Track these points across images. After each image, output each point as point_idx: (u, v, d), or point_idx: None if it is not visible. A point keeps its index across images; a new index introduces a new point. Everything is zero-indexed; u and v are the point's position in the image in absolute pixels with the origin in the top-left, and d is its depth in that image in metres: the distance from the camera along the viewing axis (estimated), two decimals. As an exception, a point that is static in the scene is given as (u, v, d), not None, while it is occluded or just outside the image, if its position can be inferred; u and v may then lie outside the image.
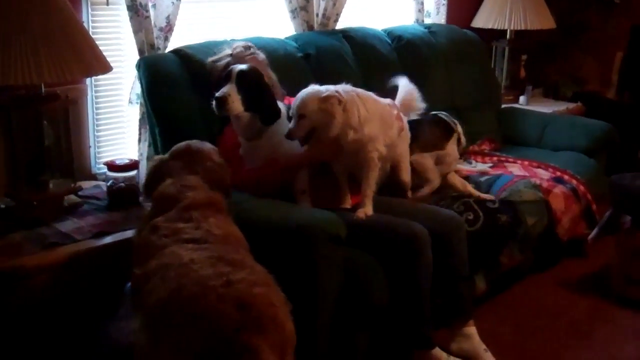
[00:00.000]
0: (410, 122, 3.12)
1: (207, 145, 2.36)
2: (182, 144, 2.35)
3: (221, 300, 1.63)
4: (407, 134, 3.02)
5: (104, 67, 2.60)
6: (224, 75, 2.70)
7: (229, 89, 2.61)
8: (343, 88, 2.71)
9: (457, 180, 3.37)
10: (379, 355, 2.71)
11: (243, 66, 2.69)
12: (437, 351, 2.69)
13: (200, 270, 1.72)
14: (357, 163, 2.76)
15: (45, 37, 2.38)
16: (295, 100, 2.68)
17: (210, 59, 3.03)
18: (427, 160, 3.20)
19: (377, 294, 2.59)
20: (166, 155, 2.33)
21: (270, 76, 3.03)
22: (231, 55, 2.97)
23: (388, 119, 2.83)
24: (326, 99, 2.62)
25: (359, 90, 2.78)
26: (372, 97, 2.81)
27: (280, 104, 2.79)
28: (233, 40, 3.25)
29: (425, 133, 3.24)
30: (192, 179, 2.16)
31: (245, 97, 2.63)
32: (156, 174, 2.25)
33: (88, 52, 2.51)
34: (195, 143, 2.35)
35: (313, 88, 2.69)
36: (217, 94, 2.61)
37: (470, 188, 3.35)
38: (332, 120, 2.62)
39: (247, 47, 3.03)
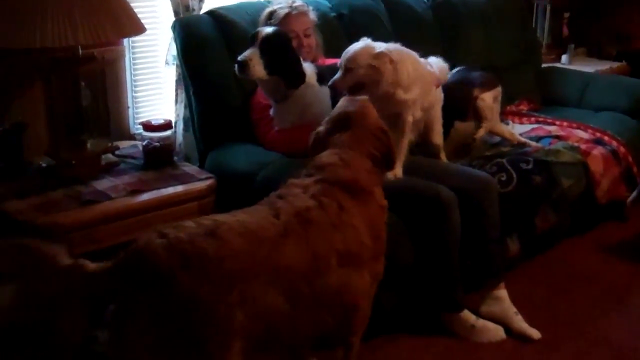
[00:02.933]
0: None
1: (370, 111, 2.25)
2: (343, 110, 2.23)
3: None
4: (440, 96, 3.00)
5: (137, 28, 2.64)
6: (250, 37, 2.71)
7: (251, 53, 2.62)
8: (393, 47, 2.69)
9: (504, 129, 3.42)
10: (407, 317, 2.74)
11: (269, 29, 2.70)
12: (466, 314, 2.71)
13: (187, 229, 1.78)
14: (392, 126, 2.75)
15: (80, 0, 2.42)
16: (345, 53, 2.67)
17: (269, 9, 3.05)
18: (489, 97, 3.21)
19: (402, 254, 2.61)
20: (327, 126, 2.23)
21: (316, 39, 3.08)
22: (290, 7, 3.00)
23: (428, 82, 2.81)
24: (378, 56, 2.61)
25: (406, 50, 2.75)
26: (417, 58, 2.79)
27: (309, 66, 2.79)
28: (268, 1, 3.26)
29: (479, 75, 3.28)
30: (352, 154, 2.14)
31: (269, 61, 2.64)
32: (317, 145, 2.22)
33: (122, 13, 2.55)
34: (357, 109, 2.22)
35: (366, 43, 2.68)
36: (239, 58, 2.63)
37: (517, 136, 3.43)
38: (381, 78, 2.60)
39: (306, 5, 3.08)
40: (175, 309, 1.68)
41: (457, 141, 3.20)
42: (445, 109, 3.02)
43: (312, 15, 3.11)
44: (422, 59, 2.91)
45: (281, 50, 2.68)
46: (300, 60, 2.77)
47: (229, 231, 1.79)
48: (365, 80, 2.61)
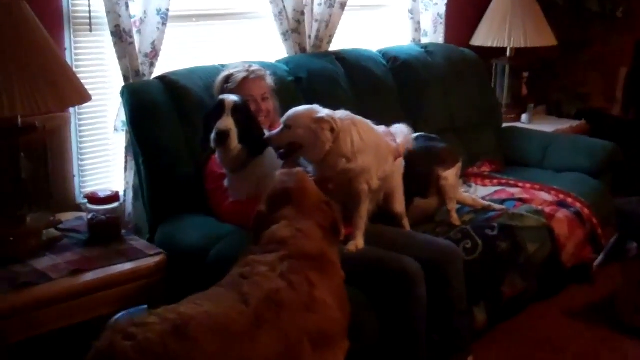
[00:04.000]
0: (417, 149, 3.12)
1: (309, 185, 2.20)
2: (281, 186, 2.15)
3: None
4: (401, 164, 2.91)
5: (81, 97, 2.50)
6: (215, 104, 2.61)
7: (229, 124, 2.54)
8: (341, 114, 2.61)
9: (465, 197, 3.39)
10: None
11: (234, 97, 2.62)
12: (434, 390, 2.57)
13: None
14: (348, 194, 2.65)
15: (19, 68, 2.29)
16: (289, 111, 2.60)
17: (226, 73, 2.95)
18: (452, 175, 3.17)
19: (367, 332, 2.46)
20: (267, 204, 2.14)
21: (274, 104, 2.99)
22: (247, 71, 2.92)
23: (384, 151, 2.71)
24: (319, 121, 2.53)
25: (358, 118, 2.67)
26: (370, 126, 2.70)
27: (265, 132, 2.69)
28: (223, 65, 3.16)
29: (440, 150, 3.23)
30: (308, 225, 2.06)
31: (240, 130, 2.57)
32: (261, 224, 2.11)
33: (65, 82, 2.41)
34: (296, 185, 2.16)
35: (312, 107, 2.62)
36: (219, 128, 2.53)
37: (480, 201, 3.40)
38: (317, 143, 2.52)
39: (263, 69, 3.01)
40: None
41: (415, 217, 3.11)
42: (405, 184, 2.94)
43: (269, 80, 3.03)
44: (382, 128, 2.82)
45: (249, 118, 2.62)
46: (262, 127, 2.69)
47: (198, 328, 1.66)
48: (302, 142, 2.54)
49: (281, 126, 2.57)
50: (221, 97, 2.66)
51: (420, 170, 3.09)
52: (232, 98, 2.61)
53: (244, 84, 2.90)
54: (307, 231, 2.03)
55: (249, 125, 2.62)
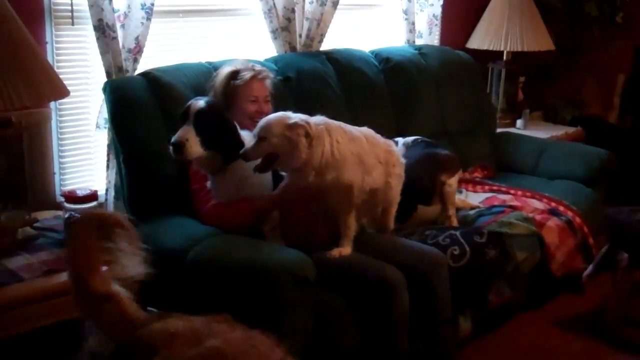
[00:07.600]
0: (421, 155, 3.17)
1: None
2: None
3: None
4: (401, 175, 2.79)
5: (59, 92, 2.43)
6: (182, 111, 2.51)
7: (186, 133, 2.42)
8: (317, 120, 2.51)
9: (457, 201, 3.37)
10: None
11: (201, 103, 2.50)
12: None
13: None
14: (332, 205, 2.59)
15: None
16: (260, 122, 2.51)
17: (231, 68, 2.86)
18: (455, 182, 3.21)
19: (346, 339, 2.43)
20: None
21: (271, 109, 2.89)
22: (254, 70, 2.85)
23: (369, 161, 2.59)
24: (293, 127, 2.44)
25: (335, 124, 2.55)
26: (351, 135, 2.57)
27: (247, 135, 2.61)
28: (210, 63, 3.10)
29: (444, 157, 3.24)
30: None
31: (205, 137, 2.45)
32: None
33: (40, 76, 2.33)
34: None
35: (283, 113, 2.53)
36: (173, 139, 2.43)
37: (468, 202, 3.47)
38: (294, 152, 2.43)
39: (268, 71, 2.95)
40: None
41: (418, 224, 3.10)
42: (409, 192, 2.87)
43: (270, 84, 2.94)
44: (371, 132, 2.69)
45: (217, 124, 2.49)
46: (237, 131, 2.58)
47: None
48: (278, 151, 2.45)
49: (255, 139, 2.47)
50: (191, 101, 2.54)
51: (424, 177, 3.09)
52: (198, 104, 2.49)
53: (251, 83, 2.82)
54: None
55: (220, 131, 2.49)
